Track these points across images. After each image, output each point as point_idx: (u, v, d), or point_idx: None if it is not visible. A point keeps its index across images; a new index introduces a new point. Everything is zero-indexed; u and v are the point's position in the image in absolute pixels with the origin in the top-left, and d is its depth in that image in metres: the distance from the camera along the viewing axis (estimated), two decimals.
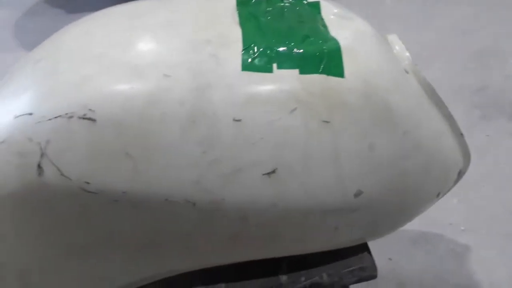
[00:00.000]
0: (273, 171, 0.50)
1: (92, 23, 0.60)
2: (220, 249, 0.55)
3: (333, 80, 0.51)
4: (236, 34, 0.54)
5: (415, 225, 0.68)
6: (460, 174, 0.64)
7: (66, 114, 0.47)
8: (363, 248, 0.64)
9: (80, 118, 0.47)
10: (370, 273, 0.63)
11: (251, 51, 0.52)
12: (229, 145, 0.49)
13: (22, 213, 0.50)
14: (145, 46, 0.53)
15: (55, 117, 0.47)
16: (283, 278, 0.62)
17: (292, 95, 0.50)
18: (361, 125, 0.51)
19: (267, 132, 0.49)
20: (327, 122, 0.50)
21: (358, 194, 0.53)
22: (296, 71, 0.52)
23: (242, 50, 0.52)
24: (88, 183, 0.48)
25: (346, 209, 0.54)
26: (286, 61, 0.52)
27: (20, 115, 0.48)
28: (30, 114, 0.48)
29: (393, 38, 0.63)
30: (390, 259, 1.00)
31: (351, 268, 0.61)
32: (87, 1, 2.35)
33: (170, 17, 0.57)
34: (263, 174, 0.50)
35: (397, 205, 0.58)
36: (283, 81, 0.51)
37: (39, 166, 0.48)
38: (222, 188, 0.49)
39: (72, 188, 0.48)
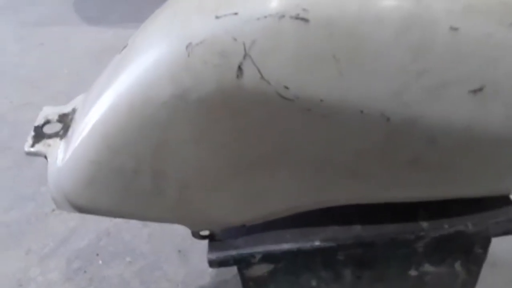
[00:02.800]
0: (480, 89, 0.47)
1: None
2: (392, 177, 0.53)
3: None
4: None
5: None
6: None
7: (277, 13, 0.45)
8: (506, 201, 0.61)
9: (292, 18, 0.45)
10: None
11: None
12: (441, 55, 0.46)
13: (208, 118, 0.49)
14: None
15: (265, 17, 0.46)
16: (424, 224, 0.59)
17: (510, 9, 0.47)
18: None
19: (482, 44, 0.46)
20: None
21: None
22: None
23: None
24: (287, 87, 0.46)
25: None
26: None
27: (223, 15, 0.47)
28: (235, 13, 0.46)
29: None
30: None
31: (497, 219, 0.58)
32: None
33: None
34: (469, 91, 0.47)
35: None
36: None
37: (239, 68, 0.46)
38: (423, 103, 0.47)
39: (268, 93, 0.47)
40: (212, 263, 0.61)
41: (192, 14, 0.49)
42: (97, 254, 1.11)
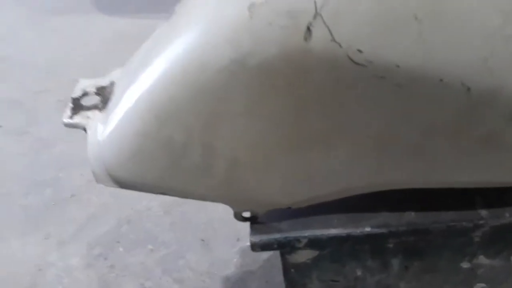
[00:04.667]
0: None
1: None
2: (459, 157, 0.49)
3: None
4: None
5: None
6: None
7: None
8: None
9: None
10: None
11: None
12: None
13: (269, 86, 0.45)
14: None
15: None
16: (483, 212, 0.56)
17: None
18: None
19: None
20: None
21: None
22: None
23: None
24: (360, 51, 0.43)
25: None
26: None
27: None
28: None
29: None
30: None
31: None
32: None
33: None
34: None
35: None
36: None
37: (308, 29, 0.42)
38: (509, 72, 0.44)
39: (338, 57, 0.43)
40: (255, 246, 0.58)
41: None
42: (118, 241, 1.08)
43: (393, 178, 0.53)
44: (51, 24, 2.06)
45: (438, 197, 0.57)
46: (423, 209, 0.57)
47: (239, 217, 0.59)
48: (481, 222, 0.55)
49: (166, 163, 0.50)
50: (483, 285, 0.62)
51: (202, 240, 1.06)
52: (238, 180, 0.52)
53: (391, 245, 0.58)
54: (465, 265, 0.60)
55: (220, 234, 1.05)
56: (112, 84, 0.60)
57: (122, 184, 0.52)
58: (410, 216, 0.56)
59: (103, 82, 0.61)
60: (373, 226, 0.56)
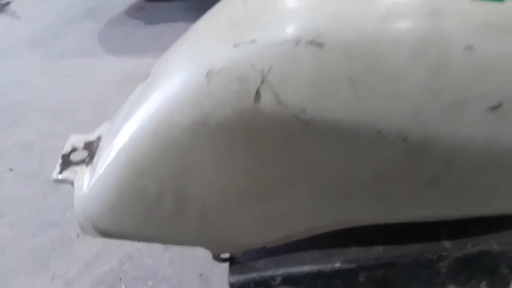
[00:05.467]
0: (499, 106, 0.47)
1: None
2: (412, 196, 0.53)
3: None
4: None
5: None
6: None
7: (293, 39, 0.47)
8: None
9: (307, 43, 0.47)
10: None
11: None
12: (458, 74, 0.47)
13: (227, 142, 0.50)
14: None
15: (281, 43, 0.47)
16: (447, 243, 0.59)
17: None
18: None
19: (499, 61, 0.47)
20: None
21: None
22: None
23: None
24: (304, 110, 0.47)
25: None
26: None
27: (242, 43, 0.49)
28: (253, 41, 0.48)
29: None
30: None
31: None
32: (163, 14, 2.52)
33: None
34: (487, 109, 0.47)
35: None
36: None
37: (257, 93, 0.47)
38: (440, 122, 0.48)
39: (286, 116, 0.48)
40: (233, 286, 0.61)
41: (212, 43, 0.52)
42: (120, 279, 1.12)
43: (356, 217, 0.56)
44: (62, 69, 2.18)
45: (405, 230, 0.60)
46: (391, 242, 0.60)
47: (217, 258, 0.63)
48: (444, 253, 0.58)
49: (143, 213, 0.54)
50: None
51: (200, 274, 1.10)
52: (212, 224, 0.56)
53: (362, 279, 0.60)
54: None
55: (217, 269, 1.08)
56: (99, 138, 0.66)
57: (105, 234, 0.57)
58: (379, 250, 0.60)
59: (91, 137, 0.66)
60: (343, 262, 0.59)
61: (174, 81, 0.52)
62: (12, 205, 1.41)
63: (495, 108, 0.47)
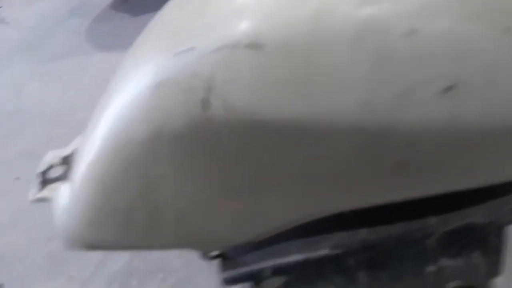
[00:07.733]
0: (451, 87, 0.45)
1: None
2: (383, 182, 0.52)
3: None
4: None
5: None
6: None
7: (231, 43, 0.46)
8: None
9: (245, 46, 0.46)
10: None
11: None
12: (402, 60, 0.45)
13: (185, 152, 0.50)
14: None
15: (219, 49, 0.46)
16: (433, 220, 0.57)
17: (467, 2, 0.45)
18: None
19: (444, 42, 0.45)
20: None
21: None
22: None
23: None
24: (253, 113, 0.47)
25: None
26: None
27: (181, 52, 0.48)
28: (192, 49, 0.47)
29: None
30: None
31: (510, 206, 0.55)
32: (148, 3, 2.46)
33: None
34: (440, 91, 0.46)
35: None
36: None
37: (204, 101, 0.47)
38: (394, 108, 0.46)
39: (237, 120, 0.47)
40: (226, 281, 0.62)
41: (153, 55, 0.50)
42: (132, 274, 1.16)
43: (331, 206, 0.55)
44: (54, 71, 2.17)
45: (389, 210, 0.58)
46: (375, 224, 0.59)
47: (207, 257, 0.63)
48: (430, 230, 0.56)
49: (119, 228, 0.54)
50: (454, 283, 0.63)
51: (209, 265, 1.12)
52: (190, 228, 0.56)
53: (352, 262, 0.60)
54: (430, 268, 0.62)
55: None
56: (75, 151, 0.66)
57: (89, 247, 0.57)
58: (363, 233, 0.59)
59: (67, 151, 0.66)
60: (329, 248, 0.59)
61: (122, 97, 0.51)
62: (23, 213, 1.44)
63: (448, 89, 0.45)
